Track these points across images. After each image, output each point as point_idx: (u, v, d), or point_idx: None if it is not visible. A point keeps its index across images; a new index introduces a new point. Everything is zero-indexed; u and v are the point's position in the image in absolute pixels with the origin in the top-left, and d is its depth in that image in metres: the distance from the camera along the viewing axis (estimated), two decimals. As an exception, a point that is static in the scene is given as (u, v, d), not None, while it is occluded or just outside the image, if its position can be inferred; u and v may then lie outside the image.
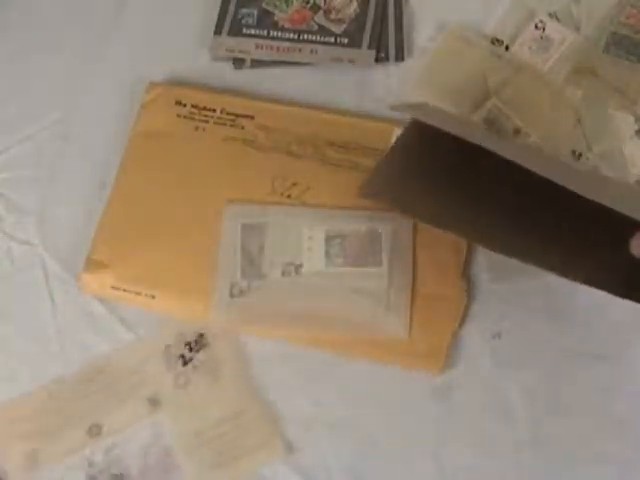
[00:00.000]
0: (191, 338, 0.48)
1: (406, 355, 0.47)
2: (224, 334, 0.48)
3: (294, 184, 0.51)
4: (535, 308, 0.49)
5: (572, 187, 0.36)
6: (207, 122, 0.54)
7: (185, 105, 0.54)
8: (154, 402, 0.46)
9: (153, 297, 0.49)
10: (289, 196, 0.51)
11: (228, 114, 0.54)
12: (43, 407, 0.47)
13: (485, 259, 0.50)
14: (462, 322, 0.48)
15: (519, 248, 0.41)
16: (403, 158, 0.47)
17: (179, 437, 0.45)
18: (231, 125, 0.54)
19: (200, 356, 0.47)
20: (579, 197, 0.36)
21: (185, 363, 0.47)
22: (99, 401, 0.47)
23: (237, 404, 0.46)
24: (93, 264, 0.50)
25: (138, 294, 0.49)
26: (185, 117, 0.54)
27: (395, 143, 0.49)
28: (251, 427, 0.46)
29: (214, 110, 0.54)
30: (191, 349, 0.48)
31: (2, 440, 0.47)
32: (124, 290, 0.50)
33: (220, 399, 0.46)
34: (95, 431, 0.46)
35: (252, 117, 0.54)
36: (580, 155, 0.53)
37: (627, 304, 0.43)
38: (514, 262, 0.42)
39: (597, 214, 0.36)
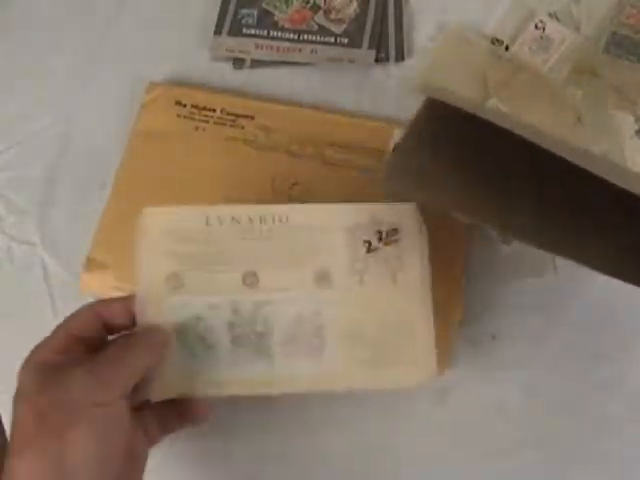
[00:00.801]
0: (385, 228, 0.42)
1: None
2: (420, 240, 0.43)
3: (294, 184, 0.51)
4: (534, 308, 0.49)
5: (588, 167, 0.35)
6: (207, 122, 0.54)
7: (185, 105, 0.54)
8: (323, 276, 0.41)
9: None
10: (289, 196, 0.51)
11: (228, 114, 0.54)
12: (198, 231, 0.42)
13: (485, 259, 0.50)
14: (462, 322, 0.48)
15: (535, 233, 0.41)
16: (419, 148, 0.46)
17: (337, 321, 0.41)
18: (231, 125, 0.54)
19: (388, 251, 0.42)
20: (594, 180, 0.35)
21: (369, 250, 0.42)
22: (262, 251, 0.41)
23: (408, 314, 0.41)
24: (93, 264, 0.50)
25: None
26: (185, 117, 0.54)
27: (405, 136, 0.48)
28: (415, 341, 0.41)
29: (214, 110, 0.54)
30: (380, 239, 0.42)
31: (150, 249, 0.42)
32: (124, 290, 0.50)
33: (393, 302, 0.41)
34: (250, 281, 0.41)
35: (252, 117, 0.54)
36: (580, 155, 0.53)
37: (627, 304, 0.43)
38: (514, 262, 0.42)
39: (614, 198, 0.36)
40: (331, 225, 0.42)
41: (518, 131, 0.37)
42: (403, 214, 0.42)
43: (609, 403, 0.47)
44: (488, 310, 0.49)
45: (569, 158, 0.36)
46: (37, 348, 0.38)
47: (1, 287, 0.53)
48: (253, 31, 0.58)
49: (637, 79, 0.54)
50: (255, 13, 0.59)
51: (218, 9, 0.59)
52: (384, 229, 0.42)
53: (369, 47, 0.57)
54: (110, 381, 0.35)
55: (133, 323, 0.40)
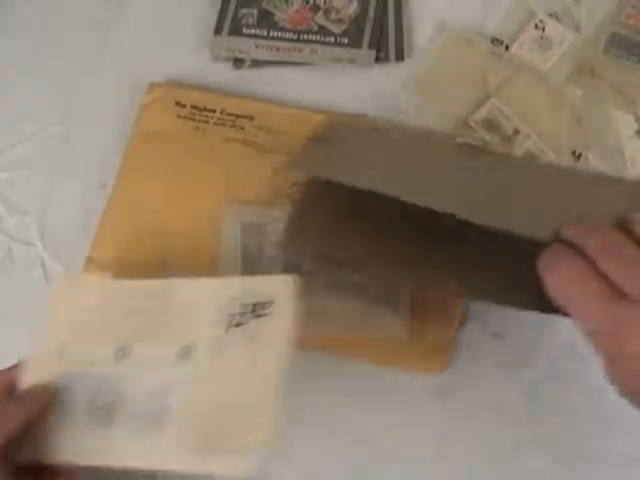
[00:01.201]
0: (256, 301, 0.40)
1: (406, 356, 0.47)
2: (288, 317, 0.40)
3: (294, 184, 0.51)
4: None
5: (464, 216, 0.36)
6: (207, 123, 0.54)
7: (185, 106, 0.54)
8: (186, 352, 0.40)
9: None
10: (289, 196, 0.51)
11: (228, 115, 0.54)
12: (91, 304, 0.43)
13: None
14: (462, 322, 0.48)
15: (433, 276, 0.41)
16: (311, 219, 0.46)
17: (186, 399, 0.39)
18: (231, 126, 0.54)
19: (253, 326, 0.40)
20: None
21: (235, 325, 0.40)
22: (139, 325, 0.42)
23: (253, 399, 0.39)
24: (93, 264, 0.50)
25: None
26: (185, 117, 0.54)
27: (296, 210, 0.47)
28: (250, 430, 0.38)
29: (214, 111, 0.54)
30: (247, 313, 0.40)
31: (53, 318, 0.44)
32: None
33: (243, 384, 0.39)
34: (120, 354, 0.41)
35: (252, 118, 0.54)
36: (580, 155, 0.53)
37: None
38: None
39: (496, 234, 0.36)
40: (202, 300, 0.41)
41: (387, 192, 0.37)
42: (276, 287, 0.40)
43: (609, 403, 0.47)
44: (488, 310, 0.49)
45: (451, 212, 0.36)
46: None
47: (1, 287, 0.53)
48: (253, 31, 0.58)
49: (637, 79, 0.54)
50: (255, 13, 0.59)
51: (218, 9, 0.59)
52: (255, 302, 0.40)
53: (369, 47, 0.57)
54: None
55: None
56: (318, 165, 0.43)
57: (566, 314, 0.35)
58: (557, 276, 0.34)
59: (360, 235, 0.43)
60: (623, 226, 0.35)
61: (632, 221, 0.35)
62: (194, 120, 0.54)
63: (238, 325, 0.40)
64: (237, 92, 0.56)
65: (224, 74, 0.57)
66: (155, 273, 0.49)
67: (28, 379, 0.41)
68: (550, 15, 0.56)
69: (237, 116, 0.54)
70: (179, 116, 0.54)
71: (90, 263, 0.50)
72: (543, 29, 0.56)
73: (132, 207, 0.52)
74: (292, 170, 0.41)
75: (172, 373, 0.40)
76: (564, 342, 0.48)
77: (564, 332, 0.49)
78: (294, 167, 0.41)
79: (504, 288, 0.38)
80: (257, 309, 0.40)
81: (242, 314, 0.40)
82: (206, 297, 0.41)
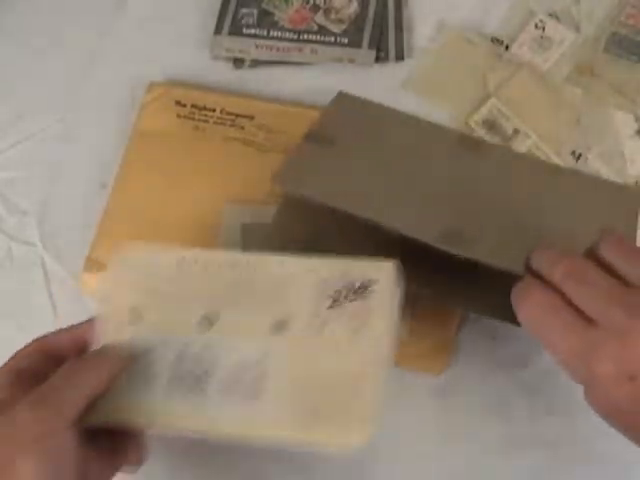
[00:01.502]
0: (356, 284, 0.40)
1: (406, 356, 0.47)
2: (391, 300, 0.40)
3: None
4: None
5: (441, 246, 0.37)
6: (207, 122, 0.54)
7: (185, 105, 0.54)
8: (280, 325, 0.40)
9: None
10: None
11: (228, 114, 0.54)
12: (168, 270, 0.42)
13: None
14: (462, 322, 0.48)
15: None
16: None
17: (283, 371, 0.39)
18: (231, 125, 0.54)
19: (354, 307, 0.40)
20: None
21: (334, 305, 0.40)
22: (225, 296, 0.41)
23: (358, 374, 0.38)
24: (93, 264, 0.50)
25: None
26: (185, 117, 0.54)
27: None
28: (356, 404, 0.38)
29: (214, 110, 0.54)
30: (348, 294, 0.40)
31: (120, 280, 0.42)
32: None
33: (344, 360, 0.39)
34: (206, 323, 0.40)
35: (252, 117, 0.54)
36: (580, 155, 0.53)
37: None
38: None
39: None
40: (300, 277, 0.41)
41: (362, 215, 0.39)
42: (379, 269, 0.40)
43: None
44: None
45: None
46: None
47: (1, 287, 0.53)
48: (253, 31, 0.58)
49: (637, 79, 0.54)
50: (255, 13, 0.59)
51: (218, 9, 0.59)
52: (355, 285, 0.41)
53: (369, 47, 0.57)
54: (55, 409, 0.34)
55: (81, 353, 0.39)
56: (300, 179, 0.43)
57: None
58: (526, 309, 0.35)
59: (343, 242, 0.43)
60: (592, 249, 0.36)
61: (597, 245, 0.36)
62: (194, 119, 0.54)
63: (339, 303, 0.40)
64: (237, 92, 0.56)
65: (224, 74, 0.57)
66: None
67: (103, 339, 0.40)
68: (550, 15, 0.57)
69: (237, 115, 0.54)
70: (179, 115, 0.54)
71: (90, 263, 0.50)
72: (543, 29, 0.56)
73: (132, 207, 0.52)
74: (275, 183, 0.42)
75: (266, 343, 0.39)
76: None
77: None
78: (277, 180, 0.42)
79: (501, 304, 0.38)
80: (360, 289, 0.40)
81: (345, 293, 0.40)
82: (304, 273, 0.41)
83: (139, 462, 0.39)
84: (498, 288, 0.38)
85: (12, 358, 0.39)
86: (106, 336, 0.40)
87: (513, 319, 0.37)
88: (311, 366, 0.38)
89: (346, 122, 0.47)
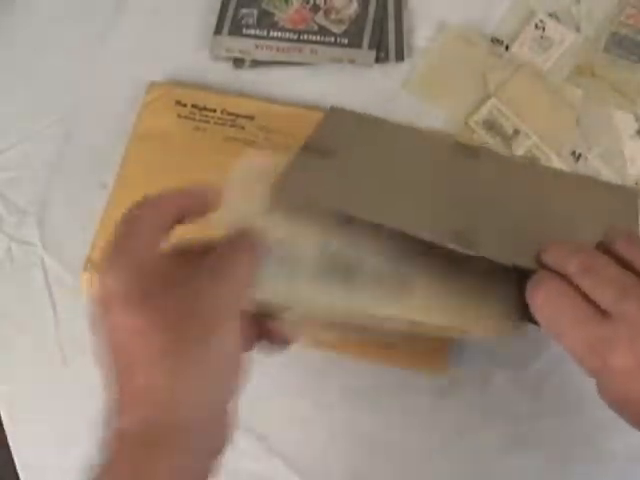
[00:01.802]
0: None
1: (407, 356, 0.47)
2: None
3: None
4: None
5: (450, 244, 0.36)
6: (208, 122, 0.54)
7: (186, 105, 0.54)
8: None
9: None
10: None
11: (229, 114, 0.54)
12: None
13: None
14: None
15: None
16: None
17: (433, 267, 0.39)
18: (231, 125, 0.54)
19: None
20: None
21: None
22: None
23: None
24: (93, 264, 0.50)
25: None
26: (186, 117, 0.54)
27: None
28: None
29: (214, 110, 0.54)
30: None
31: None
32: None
33: None
34: (344, 221, 0.39)
35: (252, 118, 0.54)
36: (580, 155, 0.53)
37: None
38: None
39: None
40: None
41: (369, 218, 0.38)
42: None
43: (609, 403, 0.47)
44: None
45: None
46: (122, 250, 0.32)
47: (1, 287, 0.53)
48: (253, 31, 0.58)
49: (637, 79, 0.54)
50: (255, 13, 0.59)
51: (218, 9, 0.59)
52: None
53: (369, 47, 0.57)
54: (236, 292, 0.33)
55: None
56: (299, 189, 0.43)
57: None
58: (541, 299, 0.35)
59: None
60: (604, 240, 0.36)
61: (611, 238, 0.36)
62: (194, 120, 0.54)
63: None
64: (237, 92, 0.56)
65: (224, 74, 0.57)
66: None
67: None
68: (550, 15, 0.56)
69: (237, 116, 0.54)
70: (179, 115, 0.54)
71: (90, 263, 0.50)
72: (543, 29, 0.56)
73: (132, 207, 0.52)
74: (275, 194, 0.41)
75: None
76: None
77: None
78: (277, 191, 0.41)
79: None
80: None
81: None
82: None
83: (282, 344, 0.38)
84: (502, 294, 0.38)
85: (146, 213, 0.35)
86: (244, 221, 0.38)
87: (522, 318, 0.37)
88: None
89: (342, 134, 0.47)
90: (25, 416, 0.50)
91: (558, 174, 0.49)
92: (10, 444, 0.49)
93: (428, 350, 0.47)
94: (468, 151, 0.47)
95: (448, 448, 0.47)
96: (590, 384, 0.47)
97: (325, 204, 0.40)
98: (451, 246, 0.37)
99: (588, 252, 0.35)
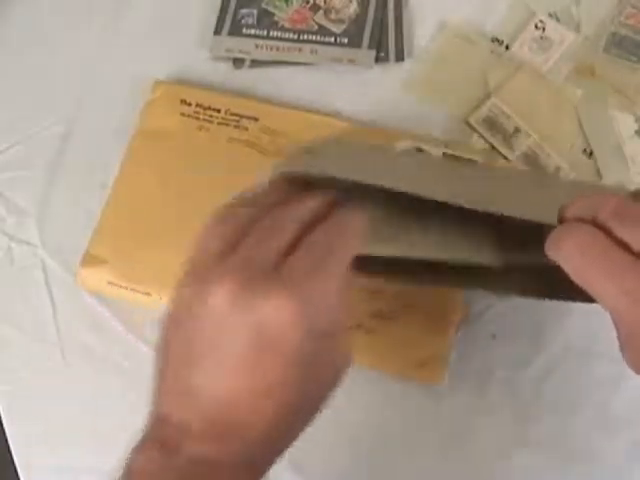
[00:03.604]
0: None
1: (403, 367, 0.47)
2: None
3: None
4: (533, 308, 0.49)
5: (461, 202, 0.34)
6: (211, 122, 0.53)
7: (190, 104, 0.54)
8: None
9: (149, 294, 0.49)
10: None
11: (232, 115, 0.54)
12: None
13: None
14: (462, 322, 0.48)
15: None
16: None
17: None
18: (235, 126, 0.53)
19: None
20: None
21: None
22: None
23: None
24: (91, 259, 0.50)
25: (134, 291, 0.49)
26: (189, 116, 0.54)
27: None
28: None
29: (219, 110, 0.54)
30: None
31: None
32: (120, 286, 0.49)
33: None
34: None
35: (256, 119, 0.53)
36: (580, 155, 0.53)
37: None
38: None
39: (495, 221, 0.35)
40: None
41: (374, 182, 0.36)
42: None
43: (609, 403, 0.47)
44: (488, 310, 0.49)
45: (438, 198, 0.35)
46: (265, 247, 0.33)
47: (1, 287, 0.53)
48: (253, 31, 0.58)
49: (637, 79, 0.54)
50: (255, 13, 0.59)
51: (218, 9, 0.59)
52: None
53: (369, 47, 0.57)
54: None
55: None
56: (307, 163, 0.42)
57: (570, 298, 0.35)
58: (568, 249, 0.32)
59: None
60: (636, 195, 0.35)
61: None
62: (198, 119, 0.53)
63: None
64: (237, 92, 0.56)
65: (224, 74, 0.57)
66: (155, 274, 0.49)
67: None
68: (550, 15, 0.57)
69: (241, 116, 0.54)
70: (183, 114, 0.54)
71: (88, 258, 0.50)
72: (543, 29, 0.56)
73: (132, 206, 0.52)
74: (274, 170, 0.40)
75: None
76: (564, 342, 0.49)
77: (564, 332, 0.49)
78: (276, 167, 0.41)
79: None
80: None
81: None
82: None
83: None
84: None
85: (290, 216, 0.35)
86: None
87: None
88: None
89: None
90: (25, 416, 0.50)
91: (545, 177, 0.49)
92: (10, 444, 0.49)
93: (424, 362, 0.47)
94: (457, 162, 0.47)
95: (448, 448, 0.47)
96: (590, 384, 0.48)
97: (333, 174, 0.38)
98: (469, 206, 0.34)
99: (621, 197, 0.33)
